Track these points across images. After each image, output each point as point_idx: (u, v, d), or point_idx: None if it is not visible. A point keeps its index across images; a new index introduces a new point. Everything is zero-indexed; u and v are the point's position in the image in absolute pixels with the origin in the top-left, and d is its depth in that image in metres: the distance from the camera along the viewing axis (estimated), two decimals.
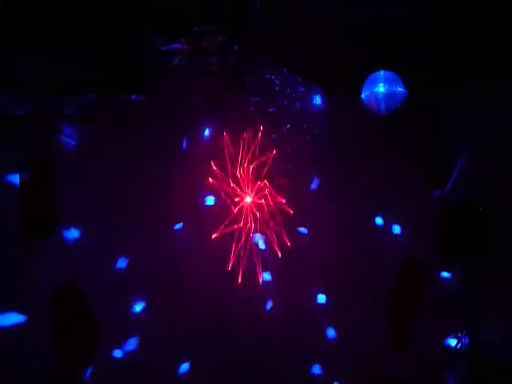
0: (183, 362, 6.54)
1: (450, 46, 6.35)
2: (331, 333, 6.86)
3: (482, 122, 6.85)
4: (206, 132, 6.94)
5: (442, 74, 6.70)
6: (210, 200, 6.85)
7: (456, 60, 6.50)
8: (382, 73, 6.32)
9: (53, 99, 6.35)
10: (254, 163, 6.89)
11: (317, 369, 6.77)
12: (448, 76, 6.69)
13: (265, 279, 6.80)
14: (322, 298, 6.93)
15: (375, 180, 6.99)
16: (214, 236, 6.64)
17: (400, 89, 6.30)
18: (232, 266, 6.65)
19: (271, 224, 6.84)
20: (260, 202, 6.87)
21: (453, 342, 6.86)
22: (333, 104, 7.00)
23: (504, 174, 6.79)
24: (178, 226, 6.73)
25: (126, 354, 6.37)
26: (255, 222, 6.81)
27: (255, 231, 6.81)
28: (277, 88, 6.85)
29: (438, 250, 6.82)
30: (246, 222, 6.79)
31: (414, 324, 6.85)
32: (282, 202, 6.88)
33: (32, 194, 6.31)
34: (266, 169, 6.88)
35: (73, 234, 6.37)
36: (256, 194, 6.91)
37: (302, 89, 6.96)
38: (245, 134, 6.84)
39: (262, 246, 6.87)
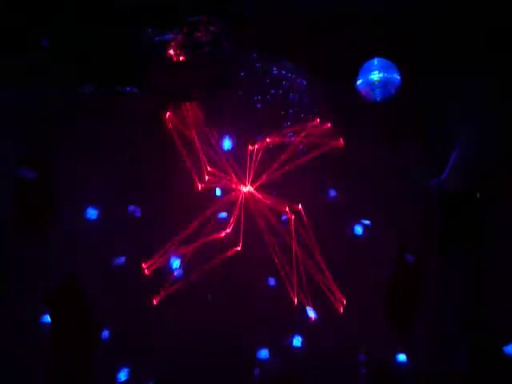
0: None
1: (449, 37, 6.37)
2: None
3: (479, 110, 6.81)
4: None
5: (439, 65, 6.65)
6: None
7: (454, 51, 6.49)
8: (376, 60, 6.30)
9: (50, 92, 6.42)
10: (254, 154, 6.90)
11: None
12: (445, 67, 6.65)
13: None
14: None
15: (373, 169, 6.96)
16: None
17: (395, 76, 6.27)
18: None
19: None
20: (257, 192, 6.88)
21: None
22: (330, 93, 6.96)
23: (501, 161, 6.74)
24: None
25: None
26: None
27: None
28: (273, 76, 6.85)
29: (436, 238, 6.81)
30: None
31: (414, 314, 6.81)
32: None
33: (31, 188, 6.38)
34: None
35: (92, 213, 6.46)
36: (254, 184, 6.92)
37: (298, 78, 6.94)
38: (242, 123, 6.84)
39: None
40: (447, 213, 6.74)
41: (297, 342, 6.74)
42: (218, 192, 6.81)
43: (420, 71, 6.60)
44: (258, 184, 6.88)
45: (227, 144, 6.79)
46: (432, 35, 6.42)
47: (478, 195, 6.70)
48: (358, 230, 6.99)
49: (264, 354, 6.62)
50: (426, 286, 6.79)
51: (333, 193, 6.98)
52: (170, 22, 6.15)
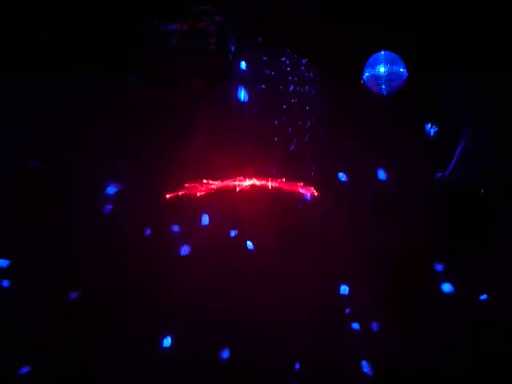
0: None
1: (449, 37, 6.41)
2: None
3: (482, 104, 6.79)
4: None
5: (439, 64, 6.65)
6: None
7: (455, 50, 6.51)
8: (382, 53, 6.31)
9: (51, 82, 6.31)
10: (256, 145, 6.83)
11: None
12: (446, 65, 6.65)
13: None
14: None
15: (375, 163, 6.92)
16: None
17: (401, 69, 6.29)
18: None
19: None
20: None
21: None
22: (333, 85, 6.91)
23: (507, 156, 6.71)
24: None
25: None
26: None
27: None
28: (275, 69, 6.79)
29: (440, 234, 6.77)
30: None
31: (415, 312, 6.76)
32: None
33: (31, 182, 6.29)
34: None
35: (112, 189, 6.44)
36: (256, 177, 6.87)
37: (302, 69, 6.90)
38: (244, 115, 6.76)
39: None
40: (452, 209, 6.71)
41: (344, 290, 6.66)
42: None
43: (421, 70, 6.58)
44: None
45: (243, 94, 6.56)
46: (432, 35, 6.46)
47: (482, 191, 6.67)
48: (381, 174, 6.82)
49: None
50: (429, 284, 6.75)
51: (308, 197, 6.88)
52: (174, 11, 6.13)
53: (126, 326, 6.15)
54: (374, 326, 6.57)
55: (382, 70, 6.26)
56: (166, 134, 6.54)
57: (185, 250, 6.52)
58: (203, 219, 6.59)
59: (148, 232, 6.45)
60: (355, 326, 6.56)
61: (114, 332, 6.13)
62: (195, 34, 6.12)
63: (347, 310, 6.59)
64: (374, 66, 6.30)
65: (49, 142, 6.32)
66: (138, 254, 6.33)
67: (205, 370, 6.27)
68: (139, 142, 6.46)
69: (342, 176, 6.80)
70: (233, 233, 6.64)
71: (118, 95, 6.33)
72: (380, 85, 6.30)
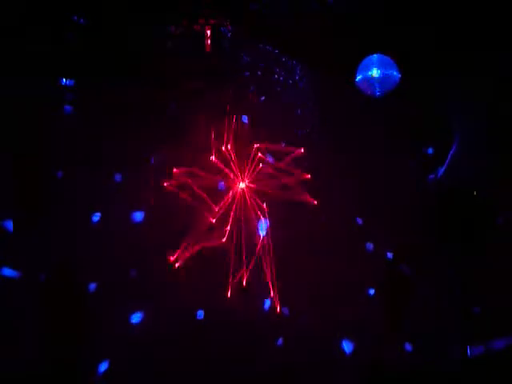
0: None
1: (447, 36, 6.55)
2: None
3: (476, 106, 6.95)
4: None
5: (438, 63, 6.79)
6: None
7: (453, 49, 6.67)
8: (375, 56, 6.40)
9: (51, 83, 6.32)
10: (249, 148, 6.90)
11: None
12: (445, 65, 6.79)
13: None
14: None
15: (370, 165, 7.01)
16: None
17: (394, 72, 6.38)
18: None
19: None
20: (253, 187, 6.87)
21: None
22: (325, 86, 7.02)
23: (499, 158, 6.85)
24: None
25: None
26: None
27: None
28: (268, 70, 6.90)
29: (434, 235, 6.86)
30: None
31: (407, 311, 6.82)
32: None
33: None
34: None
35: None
36: (250, 180, 6.91)
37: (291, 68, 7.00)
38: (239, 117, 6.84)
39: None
40: (445, 210, 6.81)
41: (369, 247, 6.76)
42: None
43: (419, 69, 6.76)
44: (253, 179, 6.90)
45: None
46: (431, 34, 6.61)
47: (474, 193, 6.79)
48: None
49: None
50: (422, 284, 6.81)
51: None
52: (170, 13, 6.20)
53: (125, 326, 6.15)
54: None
55: (374, 72, 6.36)
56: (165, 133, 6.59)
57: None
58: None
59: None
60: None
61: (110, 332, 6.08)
62: (193, 35, 6.21)
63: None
64: (366, 69, 6.40)
65: (49, 142, 6.28)
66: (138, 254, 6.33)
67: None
68: (139, 142, 6.48)
69: None
70: None
71: (118, 95, 6.33)
72: (373, 87, 6.40)
